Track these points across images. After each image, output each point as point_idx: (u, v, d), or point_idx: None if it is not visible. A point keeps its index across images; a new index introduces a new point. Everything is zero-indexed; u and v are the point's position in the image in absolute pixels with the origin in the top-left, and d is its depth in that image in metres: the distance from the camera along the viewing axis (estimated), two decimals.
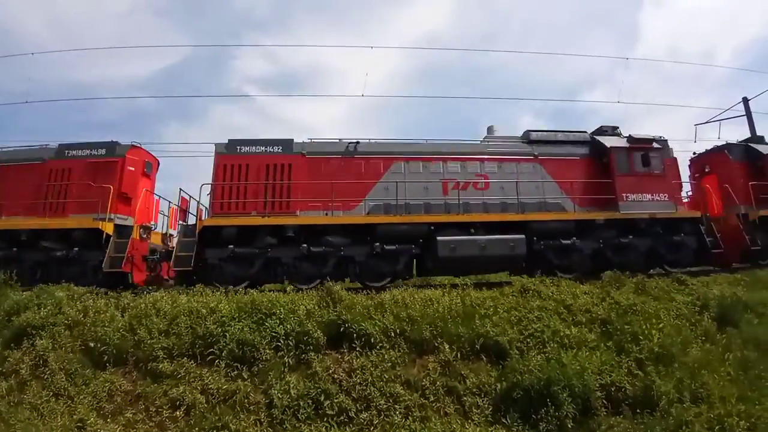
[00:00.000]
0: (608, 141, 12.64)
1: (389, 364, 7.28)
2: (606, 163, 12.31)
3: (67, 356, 7.34)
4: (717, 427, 6.38)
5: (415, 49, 77.28)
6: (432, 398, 7.02)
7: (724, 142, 14.91)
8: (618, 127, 13.50)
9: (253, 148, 11.41)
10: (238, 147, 11.36)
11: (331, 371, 7.18)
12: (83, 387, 6.97)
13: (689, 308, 8.98)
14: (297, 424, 6.51)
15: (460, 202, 11.43)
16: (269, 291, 8.90)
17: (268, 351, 7.30)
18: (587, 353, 7.50)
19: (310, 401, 6.73)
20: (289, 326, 7.55)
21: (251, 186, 10.95)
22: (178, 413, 6.56)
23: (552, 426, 6.49)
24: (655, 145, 12.58)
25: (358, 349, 7.45)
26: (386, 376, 7.10)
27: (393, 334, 7.66)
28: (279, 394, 6.75)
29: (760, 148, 14.33)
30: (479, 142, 12.78)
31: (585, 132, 13.33)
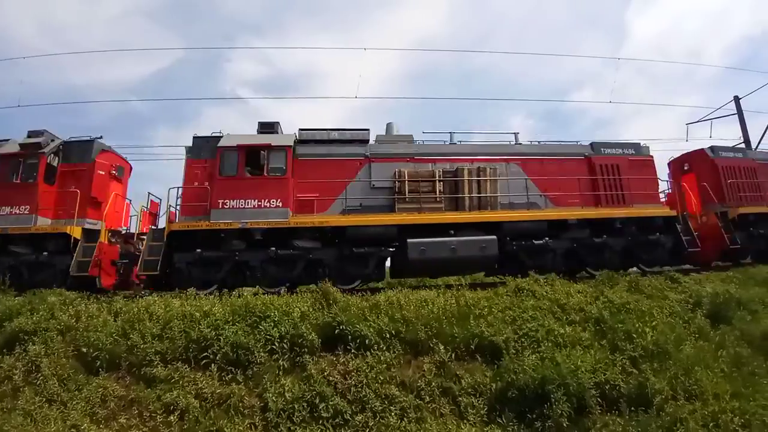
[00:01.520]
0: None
1: (384, 365, 7.27)
2: None
3: (59, 362, 7.29)
4: (711, 424, 6.42)
5: (408, 50, 77.28)
6: (427, 399, 7.02)
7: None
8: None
9: None
10: None
11: (326, 373, 7.16)
12: (76, 392, 6.92)
13: (682, 306, 9.04)
14: (292, 427, 6.50)
15: None
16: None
17: (262, 354, 7.27)
18: (581, 352, 7.50)
19: (305, 404, 6.71)
20: (283, 329, 7.54)
21: None
22: (172, 418, 6.52)
23: (547, 425, 6.50)
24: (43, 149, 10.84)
25: (353, 351, 7.43)
26: (381, 378, 7.09)
27: (388, 336, 7.64)
28: (274, 398, 6.73)
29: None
30: None
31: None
